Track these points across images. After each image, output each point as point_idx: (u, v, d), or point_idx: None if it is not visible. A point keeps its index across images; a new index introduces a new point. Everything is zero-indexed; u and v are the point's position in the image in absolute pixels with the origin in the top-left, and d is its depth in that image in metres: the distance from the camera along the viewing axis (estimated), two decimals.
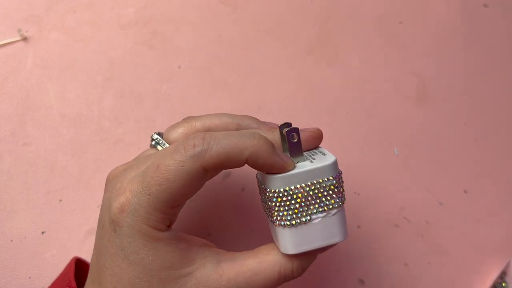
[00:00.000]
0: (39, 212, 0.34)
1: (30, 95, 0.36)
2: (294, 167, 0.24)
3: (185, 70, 0.39)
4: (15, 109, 0.36)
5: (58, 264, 0.33)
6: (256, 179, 0.28)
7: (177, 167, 0.22)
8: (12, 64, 0.37)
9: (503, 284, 0.37)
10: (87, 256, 0.33)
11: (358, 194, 0.38)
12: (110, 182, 0.26)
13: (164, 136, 0.28)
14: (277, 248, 0.25)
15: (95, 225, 0.34)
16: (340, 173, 0.25)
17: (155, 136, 0.28)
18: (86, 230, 0.34)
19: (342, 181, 0.25)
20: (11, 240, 0.33)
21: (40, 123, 0.36)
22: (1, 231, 0.33)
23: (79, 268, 0.31)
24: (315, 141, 0.27)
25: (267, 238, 0.35)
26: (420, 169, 0.39)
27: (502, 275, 0.37)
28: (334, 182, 0.24)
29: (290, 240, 0.24)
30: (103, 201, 0.26)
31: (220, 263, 0.24)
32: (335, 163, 0.24)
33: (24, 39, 0.37)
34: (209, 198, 0.35)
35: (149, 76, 0.38)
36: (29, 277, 0.33)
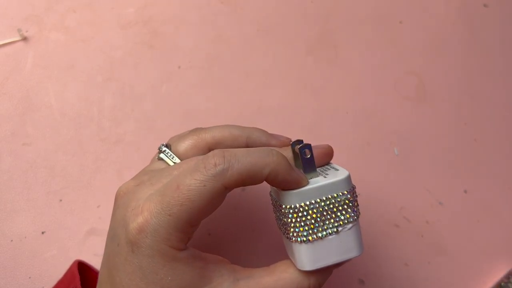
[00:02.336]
0: (39, 212, 0.34)
1: (30, 95, 0.36)
2: (307, 183, 0.24)
3: (185, 70, 0.39)
4: (15, 109, 0.36)
5: (58, 264, 0.33)
6: (269, 197, 0.28)
7: (199, 187, 0.22)
8: (12, 64, 0.37)
9: (510, 285, 0.37)
10: (86, 257, 0.33)
11: (358, 194, 0.38)
12: (122, 198, 0.25)
13: (172, 148, 0.28)
14: (293, 265, 0.25)
15: (95, 225, 0.34)
16: (353, 187, 0.25)
17: (163, 148, 0.28)
18: (86, 230, 0.34)
19: (356, 195, 0.25)
20: (11, 240, 0.33)
21: (40, 123, 0.36)
22: (1, 231, 0.33)
23: (80, 270, 0.31)
24: (326, 158, 0.27)
25: (267, 238, 0.35)
26: (420, 169, 0.39)
27: (509, 276, 0.37)
28: (348, 196, 0.24)
29: (306, 257, 0.24)
30: (114, 216, 0.25)
31: (238, 281, 0.24)
32: (348, 178, 0.25)
33: (24, 39, 0.37)
34: None
35: (149, 76, 0.38)
36: (29, 277, 0.33)
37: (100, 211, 0.34)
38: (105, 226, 0.34)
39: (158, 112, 0.37)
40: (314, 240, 0.24)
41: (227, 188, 0.23)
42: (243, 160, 0.23)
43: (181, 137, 0.28)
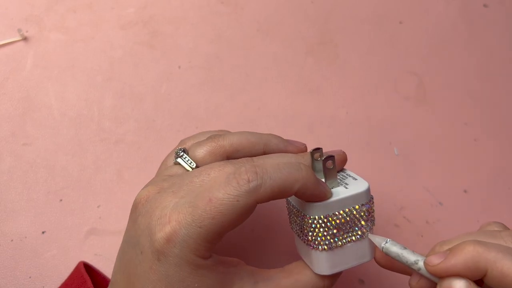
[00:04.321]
0: (39, 212, 0.34)
1: (30, 95, 0.36)
2: (331, 195, 0.25)
3: (185, 70, 0.39)
4: (15, 109, 0.36)
5: (58, 264, 0.33)
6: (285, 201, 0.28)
7: (232, 202, 0.22)
8: (12, 64, 0.37)
9: None
10: (87, 256, 0.33)
11: None
12: (144, 206, 0.25)
13: (190, 153, 0.28)
14: (308, 267, 0.26)
15: (95, 225, 0.34)
16: (372, 197, 0.26)
17: (181, 153, 0.28)
18: (86, 230, 0.34)
19: (373, 205, 0.26)
20: (11, 240, 0.33)
21: (40, 123, 0.36)
22: (1, 231, 0.33)
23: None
24: (342, 164, 0.28)
25: (267, 238, 0.35)
26: (420, 169, 0.39)
27: None
28: (368, 207, 0.25)
29: (326, 263, 0.25)
30: (136, 224, 0.25)
31: (257, 284, 0.25)
32: (368, 190, 0.26)
33: (24, 39, 0.37)
34: None
35: (149, 76, 0.38)
36: (29, 277, 0.33)
37: (100, 211, 0.34)
38: (105, 226, 0.34)
39: (158, 112, 0.37)
40: (334, 248, 0.25)
41: (258, 203, 0.23)
42: (275, 176, 0.23)
43: (199, 143, 0.28)
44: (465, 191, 0.39)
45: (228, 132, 0.29)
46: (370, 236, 0.25)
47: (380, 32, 0.43)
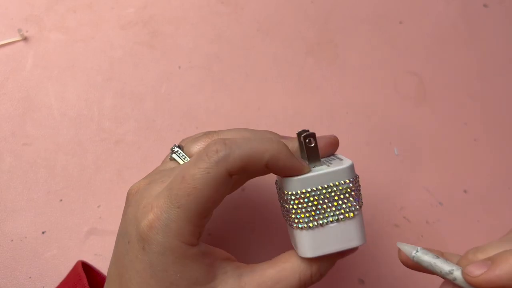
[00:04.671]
0: (39, 212, 0.34)
1: (30, 95, 0.36)
2: (310, 170, 0.25)
3: (185, 70, 0.39)
4: (15, 109, 0.36)
5: (59, 264, 0.33)
6: (274, 187, 0.28)
7: (203, 175, 0.22)
8: (12, 64, 0.37)
9: None
10: (87, 256, 0.33)
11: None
12: (134, 196, 0.26)
13: (185, 149, 0.28)
14: (295, 255, 0.25)
15: (95, 225, 0.34)
16: (356, 176, 0.25)
17: (176, 149, 0.28)
18: (86, 230, 0.34)
19: (359, 185, 0.26)
20: (11, 240, 0.33)
21: (40, 123, 0.36)
22: (1, 231, 0.33)
23: (84, 271, 0.31)
24: (332, 148, 0.28)
25: (268, 238, 0.35)
26: (420, 169, 0.39)
27: None
28: (351, 185, 0.24)
29: (308, 244, 0.25)
30: (126, 214, 0.25)
31: (241, 276, 0.25)
32: (351, 167, 0.25)
33: (24, 39, 0.37)
34: None
35: (149, 76, 0.38)
36: (30, 277, 0.33)
37: (100, 211, 0.34)
38: (105, 226, 0.34)
39: (158, 112, 0.37)
40: (315, 227, 0.24)
41: (230, 174, 0.23)
42: (244, 146, 0.23)
43: (194, 139, 0.28)
44: (465, 191, 0.39)
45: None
46: (399, 244, 0.24)
47: (380, 32, 0.43)
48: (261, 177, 0.36)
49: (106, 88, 0.37)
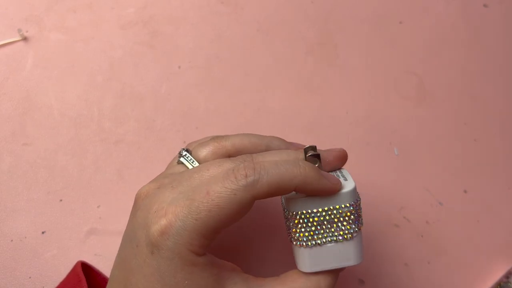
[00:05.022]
0: (39, 212, 0.34)
1: (30, 95, 0.36)
2: (342, 187, 0.25)
3: (185, 70, 0.39)
4: (15, 109, 0.36)
5: (59, 264, 0.33)
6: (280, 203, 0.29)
7: (229, 196, 0.23)
8: (12, 64, 0.37)
9: (510, 285, 0.37)
10: (87, 257, 0.33)
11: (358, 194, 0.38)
12: (143, 200, 0.25)
13: (193, 153, 0.28)
14: (303, 276, 0.26)
15: (95, 225, 0.34)
16: (358, 199, 0.26)
17: (184, 153, 0.28)
18: (86, 230, 0.34)
19: (360, 208, 0.26)
20: (11, 240, 0.33)
21: (40, 123, 0.36)
22: (1, 231, 0.33)
23: (83, 272, 0.30)
24: (340, 161, 0.28)
25: (267, 241, 0.35)
26: (420, 169, 0.39)
27: (509, 275, 0.37)
28: (351, 209, 0.25)
29: (306, 260, 0.25)
30: (135, 218, 0.25)
31: None
32: (353, 191, 0.25)
33: (24, 39, 0.37)
34: None
35: (149, 76, 0.38)
36: (29, 277, 0.33)
37: (100, 211, 0.34)
38: (105, 226, 0.34)
39: (158, 112, 0.37)
40: (313, 246, 0.25)
41: (255, 198, 0.23)
42: (272, 172, 0.23)
43: (202, 143, 0.28)
44: (465, 191, 0.39)
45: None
46: None
47: (380, 32, 0.43)
48: None
49: (106, 88, 0.37)
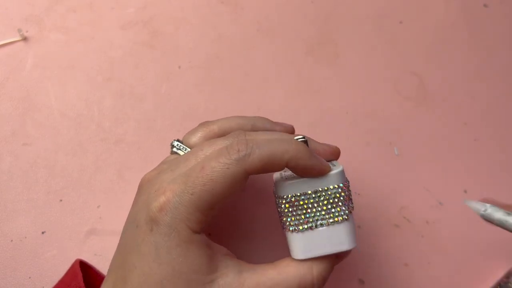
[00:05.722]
0: (39, 212, 0.34)
1: (30, 95, 0.36)
2: (330, 170, 0.25)
3: (185, 70, 0.39)
4: (15, 109, 0.36)
5: (59, 264, 0.33)
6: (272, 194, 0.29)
7: (223, 169, 0.24)
8: (12, 64, 0.37)
9: (510, 285, 0.37)
10: (87, 256, 0.33)
11: (358, 194, 0.38)
12: (145, 185, 0.26)
13: (184, 142, 0.29)
14: (297, 261, 0.26)
15: (95, 225, 0.34)
16: (346, 182, 0.26)
17: (176, 143, 0.29)
18: (86, 230, 0.34)
19: (350, 191, 0.26)
20: (11, 240, 0.33)
21: (40, 123, 0.36)
22: (1, 231, 0.33)
23: (82, 270, 0.31)
24: (332, 156, 0.29)
25: (267, 239, 0.35)
26: (420, 169, 0.39)
27: (509, 275, 0.37)
28: (339, 190, 0.25)
29: (299, 246, 0.25)
30: (136, 203, 0.26)
31: (242, 273, 0.25)
32: (341, 172, 0.26)
33: (24, 39, 0.37)
34: None
35: (149, 76, 0.38)
36: (29, 277, 0.33)
37: (100, 211, 0.34)
38: (105, 226, 0.34)
39: (158, 112, 0.37)
40: (305, 230, 0.25)
41: (248, 173, 0.24)
42: (264, 147, 0.24)
43: (191, 131, 0.30)
44: (465, 191, 0.39)
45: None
46: (466, 202, 0.25)
47: (380, 32, 0.43)
48: (261, 177, 0.36)
49: (106, 88, 0.37)
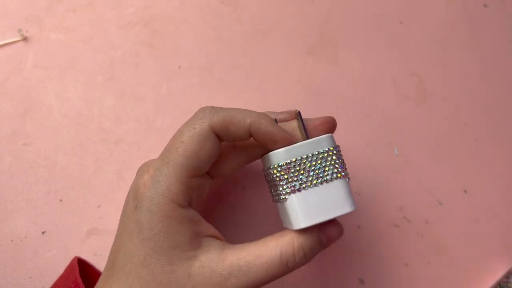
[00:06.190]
0: (40, 212, 0.34)
1: (30, 95, 0.36)
2: (295, 142, 0.26)
3: (185, 70, 0.39)
4: (15, 109, 0.36)
5: (59, 264, 0.33)
6: (262, 177, 0.30)
7: (189, 130, 0.25)
8: (12, 64, 0.37)
9: (509, 285, 0.37)
10: (87, 256, 0.33)
11: (358, 194, 0.38)
12: (139, 170, 0.27)
13: None
14: (278, 235, 0.26)
15: (95, 225, 0.34)
16: (337, 146, 0.27)
17: None
18: (86, 230, 0.34)
19: (341, 155, 0.27)
20: (12, 240, 0.33)
21: (40, 123, 0.36)
22: (1, 231, 0.33)
23: (81, 269, 0.31)
24: (327, 126, 0.29)
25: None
26: (420, 169, 0.39)
27: (509, 275, 0.37)
28: (330, 153, 0.26)
29: (300, 212, 0.25)
30: (131, 187, 0.27)
31: (224, 249, 0.25)
32: (330, 136, 0.26)
33: (24, 39, 0.37)
34: (210, 198, 0.35)
35: (149, 76, 0.38)
36: (30, 277, 0.33)
37: (100, 211, 0.34)
38: (105, 226, 0.34)
39: (158, 112, 0.37)
40: (302, 189, 0.25)
41: (212, 128, 0.25)
42: (228, 109, 0.26)
43: None
44: (465, 191, 0.39)
45: None
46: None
47: (380, 32, 0.43)
48: (261, 177, 0.36)
49: (106, 88, 0.37)
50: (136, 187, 0.25)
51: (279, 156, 0.26)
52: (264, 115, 0.26)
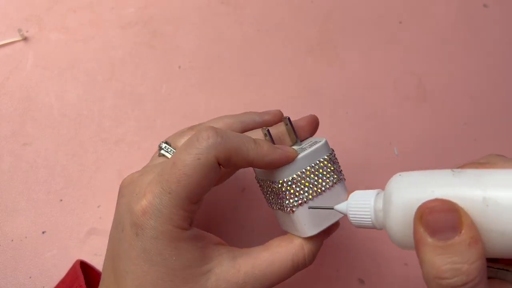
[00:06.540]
0: (40, 212, 0.34)
1: (30, 95, 0.36)
2: (297, 154, 0.26)
3: (185, 70, 0.39)
4: (15, 109, 0.36)
5: (59, 264, 0.33)
6: (256, 182, 0.29)
7: (194, 161, 0.23)
8: (12, 64, 0.37)
9: None
10: (87, 256, 0.33)
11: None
12: (126, 187, 0.26)
13: (172, 144, 0.29)
14: (286, 239, 0.27)
15: (95, 225, 0.34)
16: (332, 150, 0.27)
17: (163, 145, 0.29)
18: (86, 230, 0.34)
19: (336, 158, 0.28)
20: (12, 240, 0.33)
21: (40, 123, 0.36)
22: (1, 231, 0.33)
23: (82, 270, 0.31)
24: (312, 126, 0.29)
25: (268, 238, 0.35)
26: (420, 169, 0.39)
27: None
28: (329, 159, 0.27)
29: (308, 223, 0.26)
30: (119, 205, 0.26)
31: (236, 258, 0.25)
32: (326, 143, 0.27)
33: (24, 39, 0.37)
34: (209, 199, 0.35)
35: (149, 76, 0.38)
36: (30, 277, 0.33)
37: (100, 211, 0.34)
38: (105, 226, 0.34)
39: (158, 112, 0.37)
40: (309, 200, 0.26)
41: (218, 161, 0.24)
42: (233, 137, 0.24)
43: (179, 133, 0.29)
44: None
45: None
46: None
47: (380, 32, 0.43)
48: None
49: (106, 88, 0.37)
50: (133, 212, 0.24)
51: (285, 173, 0.26)
52: (263, 142, 0.25)
